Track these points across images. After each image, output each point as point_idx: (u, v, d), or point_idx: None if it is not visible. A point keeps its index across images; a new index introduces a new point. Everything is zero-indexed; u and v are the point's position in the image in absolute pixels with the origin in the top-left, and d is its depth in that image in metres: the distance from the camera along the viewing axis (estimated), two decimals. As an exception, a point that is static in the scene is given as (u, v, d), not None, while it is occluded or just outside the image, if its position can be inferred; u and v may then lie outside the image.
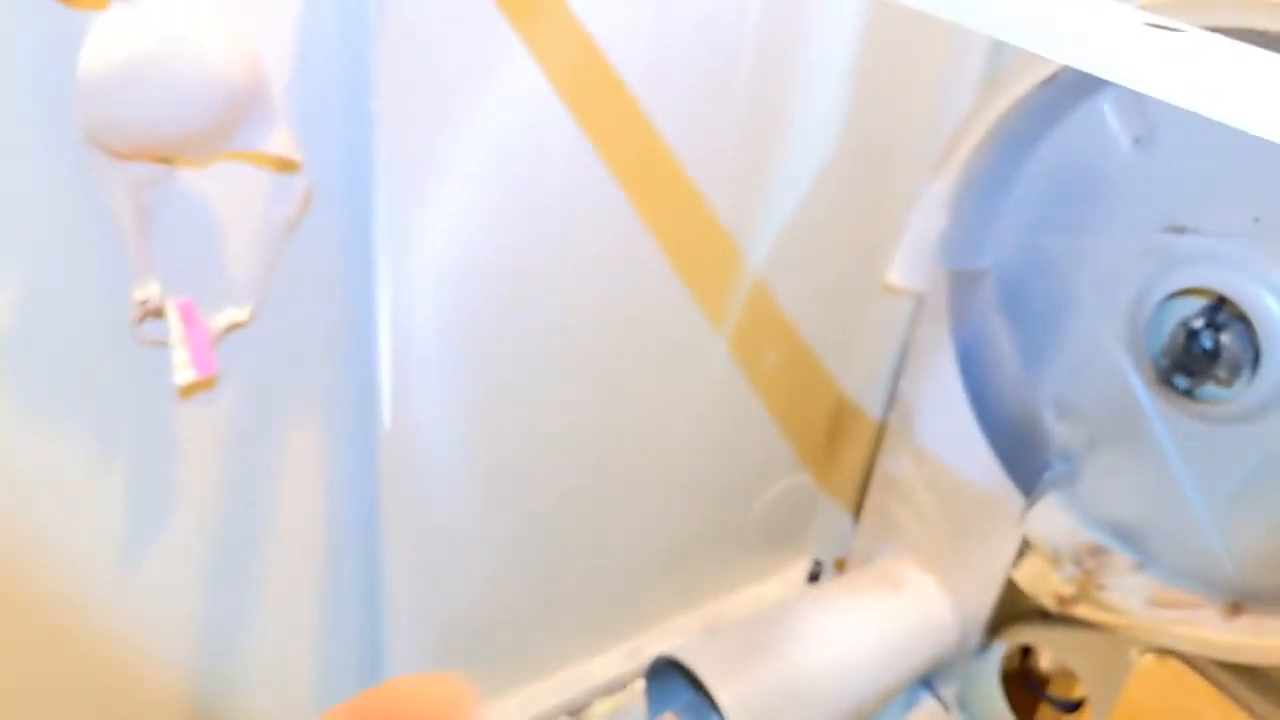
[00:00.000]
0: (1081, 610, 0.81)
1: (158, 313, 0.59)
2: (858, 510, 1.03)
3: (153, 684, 0.74)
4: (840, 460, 1.03)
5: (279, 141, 0.58)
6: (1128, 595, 0.80)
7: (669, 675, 0.87)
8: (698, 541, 0.98)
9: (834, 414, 1.00)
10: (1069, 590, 0.82)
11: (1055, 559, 0.83)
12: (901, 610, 0.88)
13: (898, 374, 0.93)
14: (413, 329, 0.67)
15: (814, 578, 1.09)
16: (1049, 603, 0.83)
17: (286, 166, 0.61)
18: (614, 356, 0.79)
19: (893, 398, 0.94)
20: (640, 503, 0.90)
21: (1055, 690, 0.98)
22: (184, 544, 0.69)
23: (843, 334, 0.94)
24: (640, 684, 0.90)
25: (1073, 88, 0.76)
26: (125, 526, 0.66)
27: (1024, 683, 0.97)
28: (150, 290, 0.58)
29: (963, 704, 0.93)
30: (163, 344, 0.60)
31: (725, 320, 0.84)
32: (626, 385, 0.81)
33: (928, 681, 0.95)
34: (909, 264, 0.84)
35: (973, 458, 0.85)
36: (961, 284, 0.86)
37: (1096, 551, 0.82)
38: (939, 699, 0.95)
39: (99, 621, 0.69)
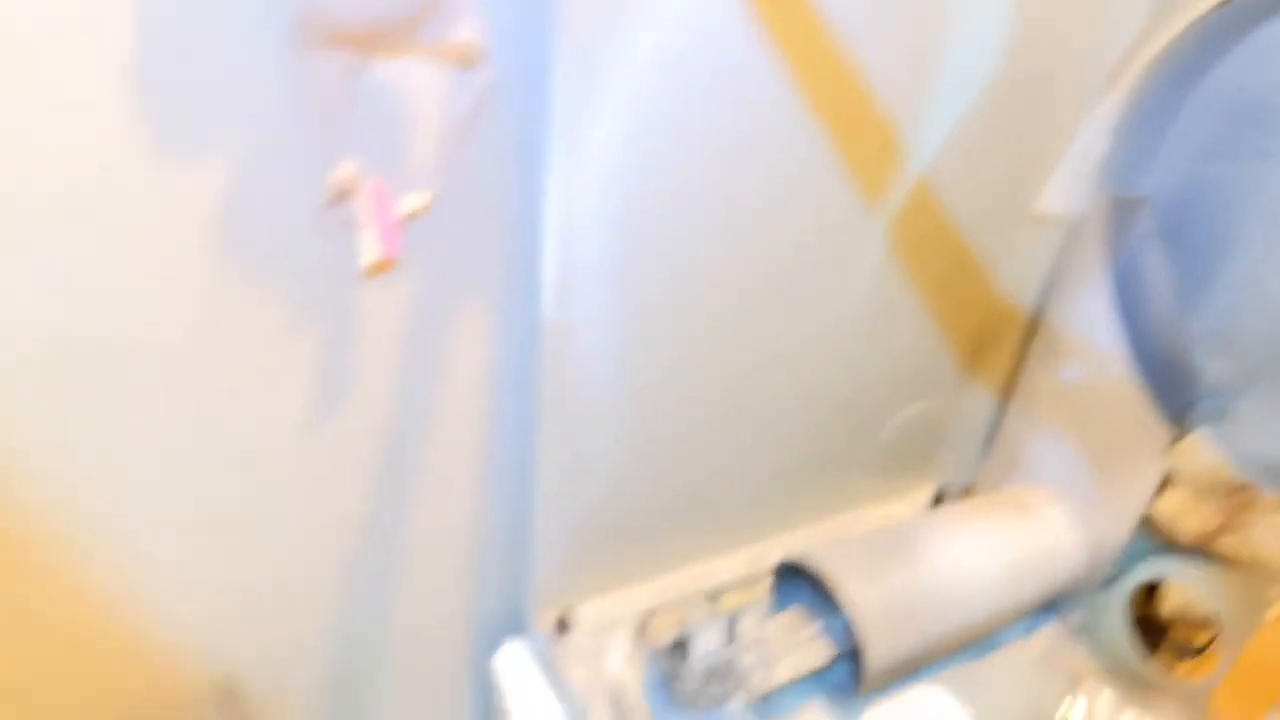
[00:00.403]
0: (1222, 546, 0.80)
1: (348, 195, 0.64)
2: (990, 436, 1.03)
3: (313, 564, 0.80)
4: (985, 371, 1.02)
5: (466, 35, 0.61)
6: (1271, 534, 0.79)
7: (793, 581, 0.90)
8: (826, 460, 1.00)
9: (984, 322, 0.98)
10: (1210, 526, 0.81)
11: (1198, 494, 0.82)
12: (1031, 533, 0.89)
13: (1044, 298, 0.92)
14: (579, 225, 0.70)
15: (939, 503, 1.10)
16: (1188, 538, 0.82)
17: (470, 61, 0.64)
18: (771, 260, 0.80)
19: (1039, 321, 0.93)
20: (778, 413, 0.92)
21: (1178, 636, 0.97)
22: (356, 424, 0.75)
23: (998, 247, 0.93)
24: (765, 584, 0.93)
25: (1254, 9, 0.73)
26: (306, 401, 0.71)
27: (1148, 624, 0.97)
28: (346, 171, 0.62)
29: (1088, 631, 0.93)
30: (350, 225, 0.65)
31: (885, 213, 0.84)
32: (782, 288, 0.82)
33: (1053, 607, 0.96)
34: (1068, 187, 0.83)
35: (1120, 388, 0.84)
36: (1120, 210, 0.85)
37: (1242, 489, 0.81)
38: (1063, 624, 0.95)
39: (275, 494, 0.75)
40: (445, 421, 0.79)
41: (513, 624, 0.98)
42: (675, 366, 0.82)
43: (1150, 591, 0.92)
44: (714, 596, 0.82)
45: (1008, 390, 0.98)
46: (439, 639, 0.95)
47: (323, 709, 0.92)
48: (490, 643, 0.95)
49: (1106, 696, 0.77)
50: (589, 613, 0.93)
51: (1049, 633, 0.95)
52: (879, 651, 0.79)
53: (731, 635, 0.78)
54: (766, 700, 0.87)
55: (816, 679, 0.89)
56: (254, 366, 0.68)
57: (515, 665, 0.93)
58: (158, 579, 0.74)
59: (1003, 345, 0.99)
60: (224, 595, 0.78)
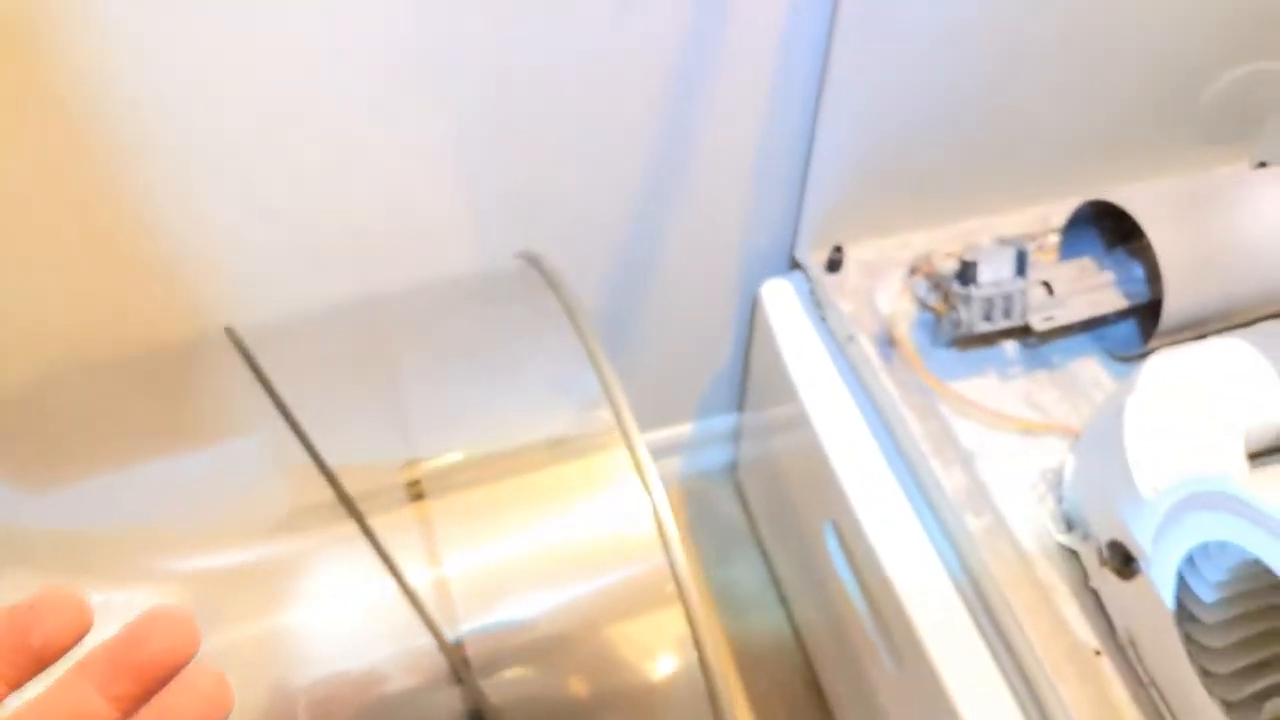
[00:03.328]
0: None
1: None
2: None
3: (625, 131, 0.82)
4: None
5: None
6: None
7: (1087, 235, 0.84)
8: (1138, 119, 0.91)
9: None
10: None
11: None
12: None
13: None
14: None
15: (1255, 182, 1.00)
16: None
17: None
18: None
19: None
20: (1093, 66, 0.83)
21: None
22: (651, 32, 0.73)
23: None
24: (1053, 239, 0.89)
25: None
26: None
27: None
28: None
29: None
30: None
31: None
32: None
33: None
34: None
35: None
36: None
37: None
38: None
39: (572, 101, 0.76)
40: (737, 38, 0.76)
41: (783, 260, 0.98)
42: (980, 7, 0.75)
43: None
44: (1004, 240, 0.78)
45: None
46: (713, 263, 0.97)
47: (599, 313, 0.98)
48: (759, 275, 0.97)
49: None
50: (860, 254, 0.92)
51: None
52: (1182, 299, 0.74)
53: (1021, 267, 0.75)
54: (1038, 349, 0.84)
55: (1094, 336, 0.85)
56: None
57: (780, 298, 0.95)
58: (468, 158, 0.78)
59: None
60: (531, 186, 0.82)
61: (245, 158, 0.71)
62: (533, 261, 0.68)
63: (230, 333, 0.65)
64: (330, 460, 0.58)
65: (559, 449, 0.58)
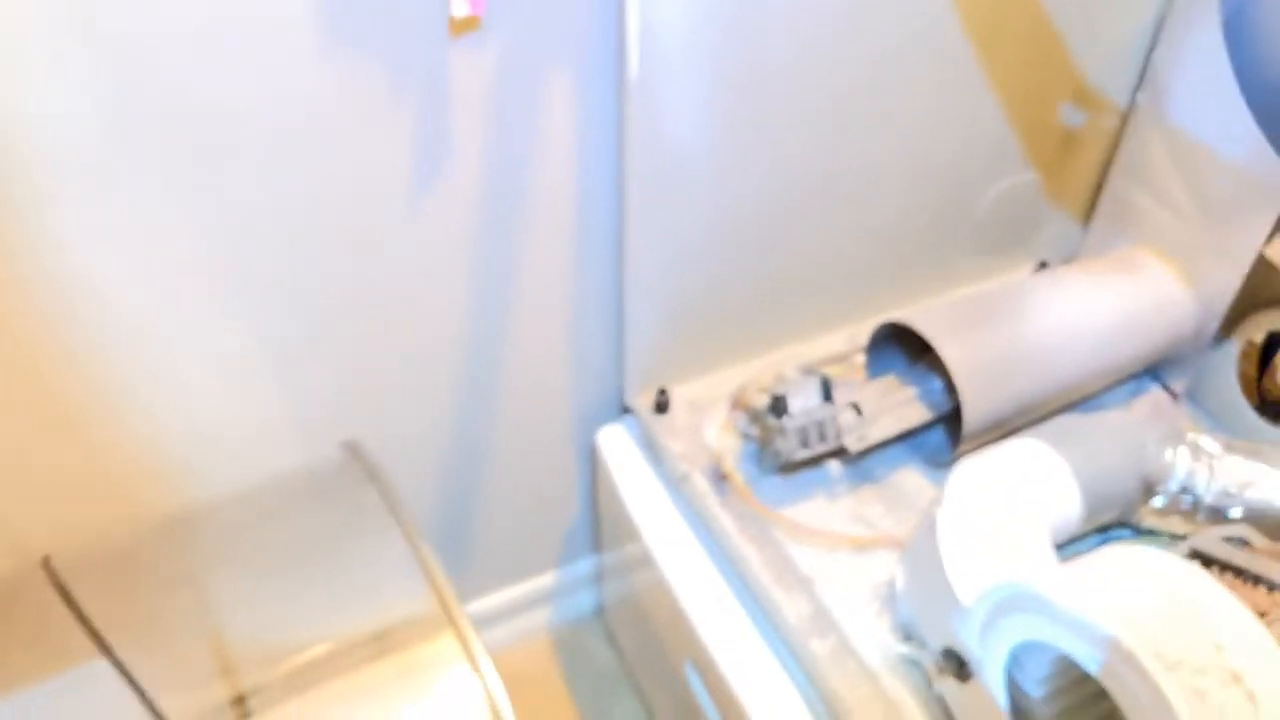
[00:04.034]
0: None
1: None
2: (1089, 213, 1.00)
3: (438, 318, 0.83)
4: (1074, 159, 0.99)
5: None
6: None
7: (888, 354, 0.90)
8: (920, 238, 0.99)
9: (1076, 96, 0.95)
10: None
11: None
12: (1136, 292, 0.87)
13: (1149, 51, 0.87)
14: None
15: (1037, 285, 1.08)
16: (1301, 287, 0.79)
17: None
18: (851, 35, 0.77)
19: (1141, 79, 0.89)
20: (867, 193, 0.91)
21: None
22: (455, 193, 0.76)
23: (1087, 7, 0.88)
24: (860, 358, 0.94)
25: None
26: (409, 165, 0.72)
27: (1260, 388, 0.94)
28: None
29: (1194, 397, 0.92)
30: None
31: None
32: (860, 70, 0.80)
33: (1155, 374, 0.95)
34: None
35: (1234, 132, 0.80)
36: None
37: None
38: (1167, 390, 0.94)
39: (392, 263, 0.78)
40: (538, 189, 0.79)
41: (613, 408, 1.01)
42: (760, 144, 0.81)
43: (1266, 351, 0.89)
44: (809, 369, 0.83)
45: (1105, 161, 0.95)
46: (546, 421, 0.99)
47: (441, 486, 0.98)
48: (593, 425, 0.99)
49: (1208, 443, 0.76)
50: (686, 393, 0.95)
51: (1152, 398, 0.94)
52: (978, 407, 0.80)
53: (827, 394, 0.79)
54: (860, 465, 0.89)
55: (910, 446, 0.90)
56: (358, 138, 0.70)
57: (616, 444, 0.97)
58: (287, 356, 0.78)
59: (1091, 124, 0.95)
60: (342, 376, 0.82)
61: (39, 368, 0.70)
62: (353, 451, 0.68)
63: (46, 566, 0.63)
64: (155, 686, 0.56)
65: (386, 641, 0.57)
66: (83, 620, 0.61)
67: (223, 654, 0.58)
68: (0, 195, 0.61)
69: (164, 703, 0.56)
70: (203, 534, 0.66)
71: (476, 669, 0.55)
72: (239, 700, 0.56)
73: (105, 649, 0.59)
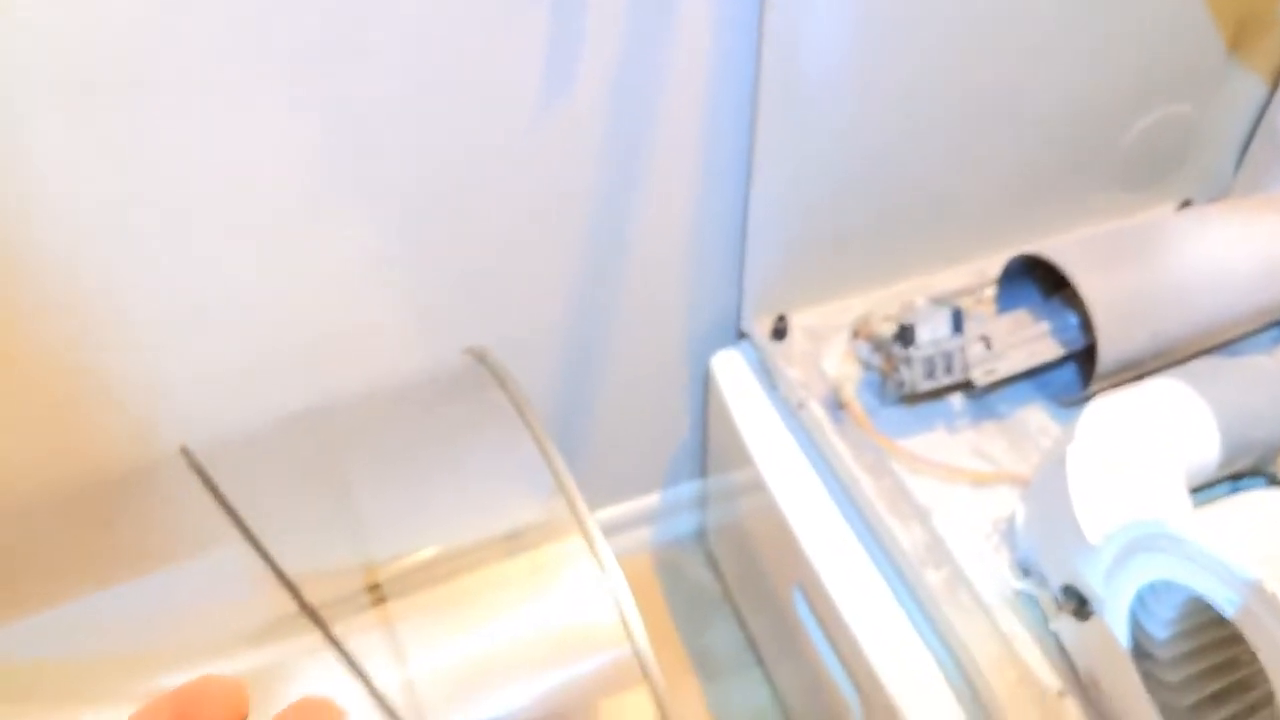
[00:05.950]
0: None
1: None
2: (1245, 142, 0.95)
3: (558, 228, 0.84)
4: (1249, 57, 0.92)
5: None
6: None
7: (1021, 287, 0.87)
8: (1059, 170, 0.95)
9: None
10: None
11: None
12: (1291, 232, 0.82)
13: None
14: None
15: (1177, 225, 1.03)
16: None
17: None
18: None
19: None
20: (1009, 119, 0.87)
21: None
22: (584, 96, 0.76)
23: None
24: (988, 292, 0.92)
25: None
26: (541, 64, 0.72)
27: None
28: None
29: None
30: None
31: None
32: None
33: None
34: None
35: None
36: None
37: None
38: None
39: (517, 168, 0.78)
40: (668, 109, 0.79)
41: (729, 332, 1.00)
42: (905, 62, 0.78)
43: None
44: (939, 300, 0.81)
45: (1273, 81, 0.89)
46: (661, 342, 0.99)
47: (553, 403, 0.99)
48: (708, 349, 0.99)
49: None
50: (803, 320, 0.94)
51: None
52: (1116, 345, 0.77)
53: (958, 325, 0.77)
54: (983, 400, 0.87)
55: (1036, 384, 0.88)
56: (493, 34, 0.69)
57: (731, 368, 0.97)
58: (407, 261, 0.80)
59: (1273, 28, 0.89)
60: (474, 280, 0.84)
61: (174, 272, 0.72)
62: (479, 357, 0.70)
63: (185, 453, 0.66)
64: (292, 571, 0.59)
65: (516, 541, 0.59)
66: (221, 502, 0.63)
67: (358, 542, 0.60)
68: (153, 82, 0.63)
69: (301, 586, 0.58)
70: (336, 427, 0.69)
71: (603, 568, 0.56)
72: (374, 587, 0.58)
73: (244, 530, 0.61)
